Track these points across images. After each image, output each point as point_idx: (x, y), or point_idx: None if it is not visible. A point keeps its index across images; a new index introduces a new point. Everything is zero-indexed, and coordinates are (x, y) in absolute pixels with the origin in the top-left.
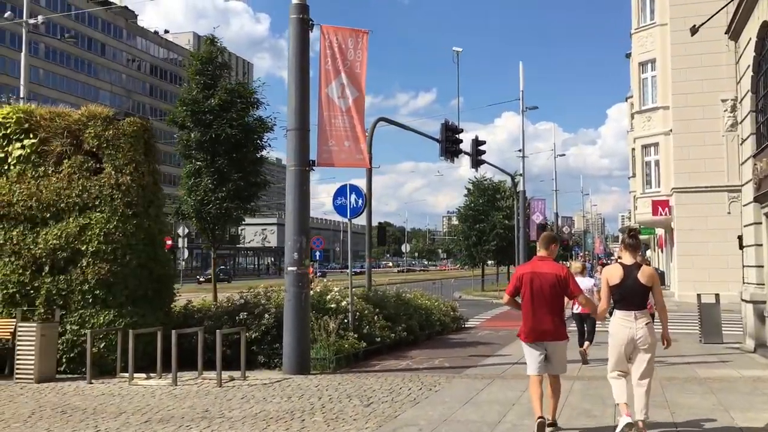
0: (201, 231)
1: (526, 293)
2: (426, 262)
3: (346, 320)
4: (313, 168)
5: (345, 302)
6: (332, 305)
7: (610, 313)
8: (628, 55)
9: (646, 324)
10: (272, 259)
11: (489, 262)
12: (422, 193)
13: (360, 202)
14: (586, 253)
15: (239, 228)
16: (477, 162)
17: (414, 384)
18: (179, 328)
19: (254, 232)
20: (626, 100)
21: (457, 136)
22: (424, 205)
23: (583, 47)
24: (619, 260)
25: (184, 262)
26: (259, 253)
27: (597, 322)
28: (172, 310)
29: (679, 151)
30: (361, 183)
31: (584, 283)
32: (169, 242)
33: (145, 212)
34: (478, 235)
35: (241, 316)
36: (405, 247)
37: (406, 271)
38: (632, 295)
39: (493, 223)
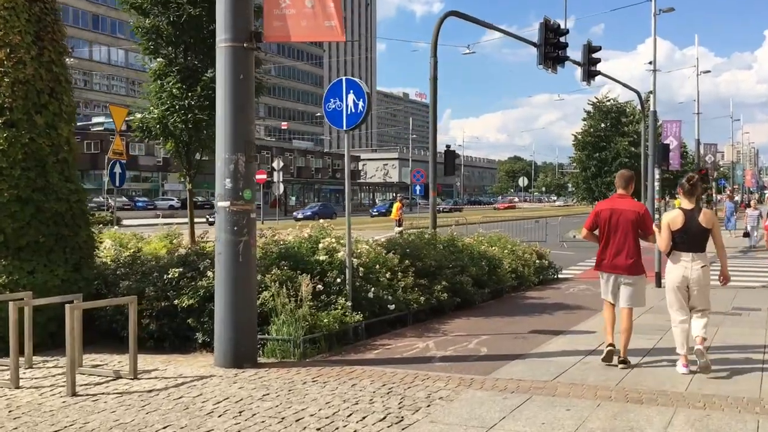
0: (175, 155)
1: (604, 228)
2: (555, 198)
3: (338, 280)
4: (258, 45)
5: (342, 253)
6: (322, 257)
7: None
8: None
9: (702, 267)
10: (394, 194)
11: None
12: (558, 126)
13: (362, 105)
14: (735, 186)
15: (359, 163)
16: (590, 73)
17: (389, 401)
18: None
19: (375, 168)
20: None
21: (560, 39)
22: (560, 139)
23: None
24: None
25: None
26: (381, 190)
27: None
28: (90, 265)
29: None
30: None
31: None
32: (263, 176)
33: (27, 121)
34: (598, 165)
35: (170, 275)
36: (522, 182)
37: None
38: (693, 237)
39: (616, 151)
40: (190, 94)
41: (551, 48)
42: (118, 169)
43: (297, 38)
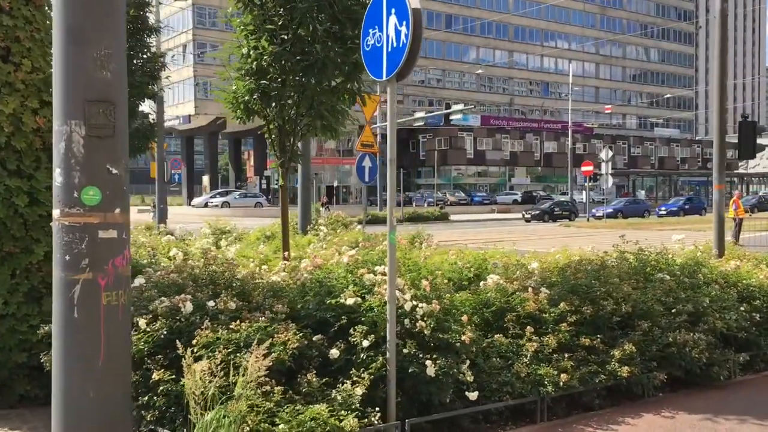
0: (268, 137)
1: None
2: None
3: (365, 342)
4: None
5: (384, 293)
6: (351, 300)
7: None
8: None
9: None
10: None
11: None
12: None
13: (405, 33)
14: None
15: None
16: None
17: None
18: None
19: (760, 156)
20: None
21: None
22: None
23: None
24: None
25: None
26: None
27: None
28: None
29: None
30: None
31: None
32: (589, 167)
33: None
34: None
35: None
36: None
37: None
38: None
39: None
40: (262, 54)
41: None
42: (367, 163)
43: None
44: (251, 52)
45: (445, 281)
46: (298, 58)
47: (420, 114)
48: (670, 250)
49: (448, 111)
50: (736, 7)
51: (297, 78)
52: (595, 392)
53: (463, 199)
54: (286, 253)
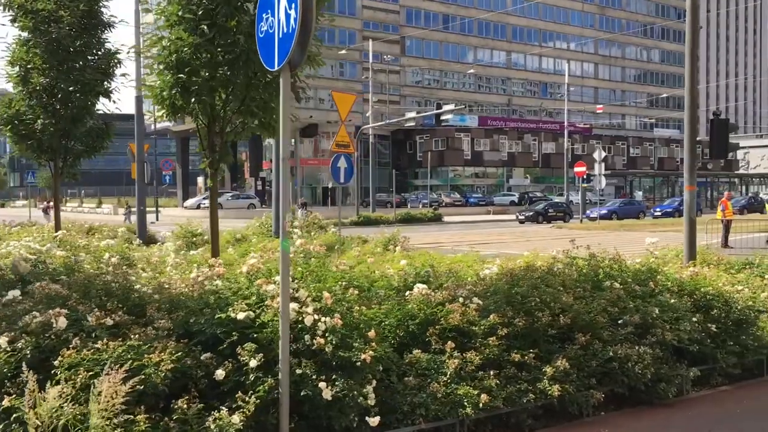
0: (197, 135)
1: None
2: None
3: (253, 362)
4: None
5: (276, 305)
6: (241, 314)
7: None
8: None
9: None
10: None
11: None
12: None
13: (295, 20)
14: None
15: (740, 151)
16: None
17: None
18: None
19: (761, 156)
20: None
21: None
22: None
23: None
24: None
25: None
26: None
27: None
28: None
29: None
30: None
31: None
32: (582, 168)
33: None
34: None
35: None
36: None
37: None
38: None
39: None
40: (183, 47)
41: None
42: (342, 164)
43: None
44: (171, 45)
45: (356, 292)
46: (219, 50)
47: (411, 114)
48: (636, 255)
49: (439, 111)
50: (737, 6)
51: (221, 72)
52: (527, 412)
53: (459, 200)
54: (212, 261)
